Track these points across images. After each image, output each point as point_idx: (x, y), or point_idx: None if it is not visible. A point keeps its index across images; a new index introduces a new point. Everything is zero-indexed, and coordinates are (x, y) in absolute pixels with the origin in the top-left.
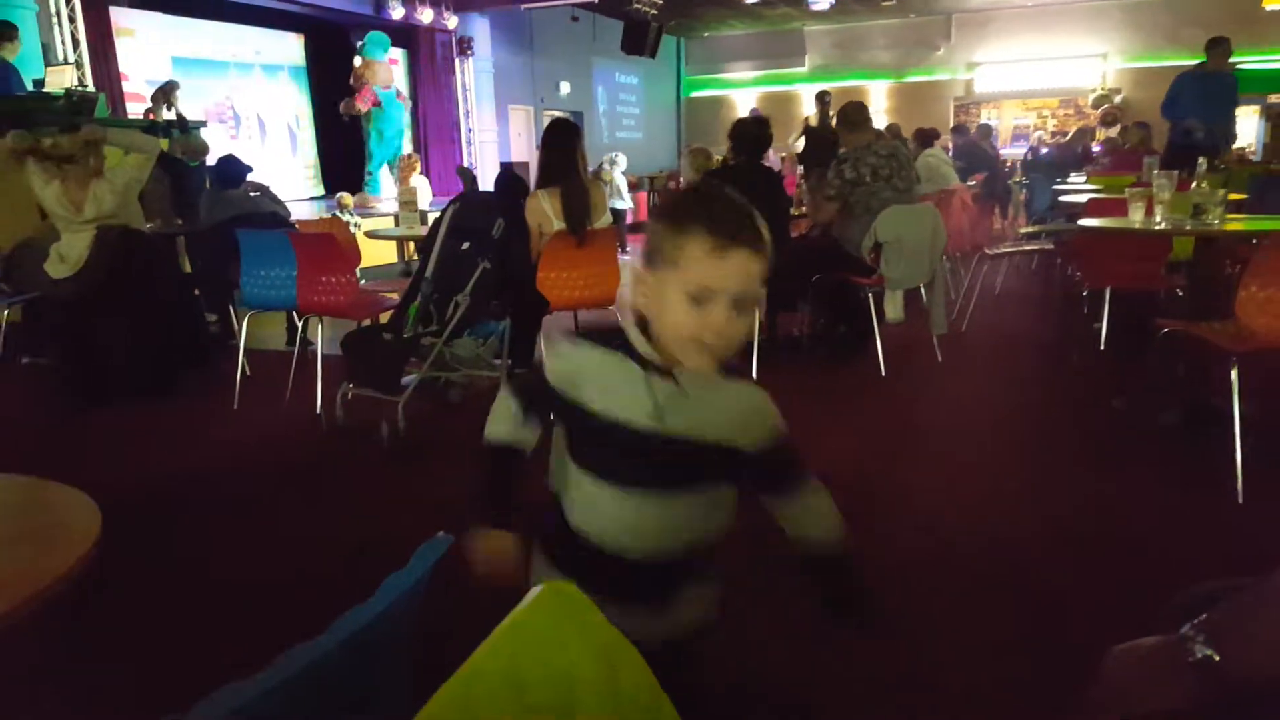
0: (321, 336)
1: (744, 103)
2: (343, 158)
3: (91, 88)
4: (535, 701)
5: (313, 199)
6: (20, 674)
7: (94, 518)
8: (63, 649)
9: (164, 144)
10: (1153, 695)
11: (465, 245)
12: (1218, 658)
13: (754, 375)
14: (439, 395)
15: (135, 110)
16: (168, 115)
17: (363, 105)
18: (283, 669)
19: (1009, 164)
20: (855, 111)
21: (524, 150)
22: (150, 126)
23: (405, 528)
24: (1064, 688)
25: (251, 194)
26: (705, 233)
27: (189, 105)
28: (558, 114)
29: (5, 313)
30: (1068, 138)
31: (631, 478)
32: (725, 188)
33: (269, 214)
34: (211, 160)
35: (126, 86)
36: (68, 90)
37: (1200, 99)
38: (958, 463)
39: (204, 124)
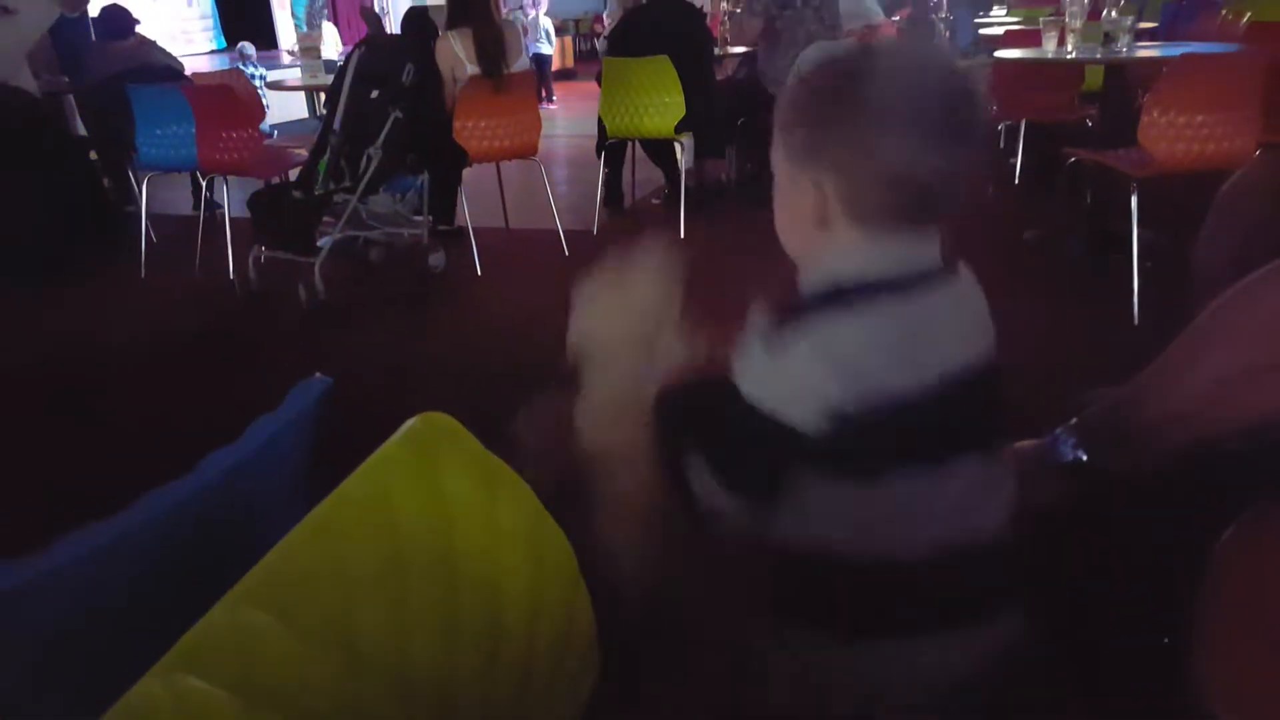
0: (229, 197)
1: None
2: (242, 6)
3: None
4: (408, 534)
5: (213, 53)
6: None
7: None
8: None
9: None
10: (1026, 495)
11: (374, 94)
12: (1086, 458)
13: (682, 221)
14: (358, 255)
15: None
16: None
17: None
18: (143, 510)
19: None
20: None
21: None
22: None
23: None
24: None
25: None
26: None
27: None
28: None
29: None
30: None
31: None
32: None
33: (162, 67)
34: (94, 11)
35: None
36: None
37: None
38: None
39: None
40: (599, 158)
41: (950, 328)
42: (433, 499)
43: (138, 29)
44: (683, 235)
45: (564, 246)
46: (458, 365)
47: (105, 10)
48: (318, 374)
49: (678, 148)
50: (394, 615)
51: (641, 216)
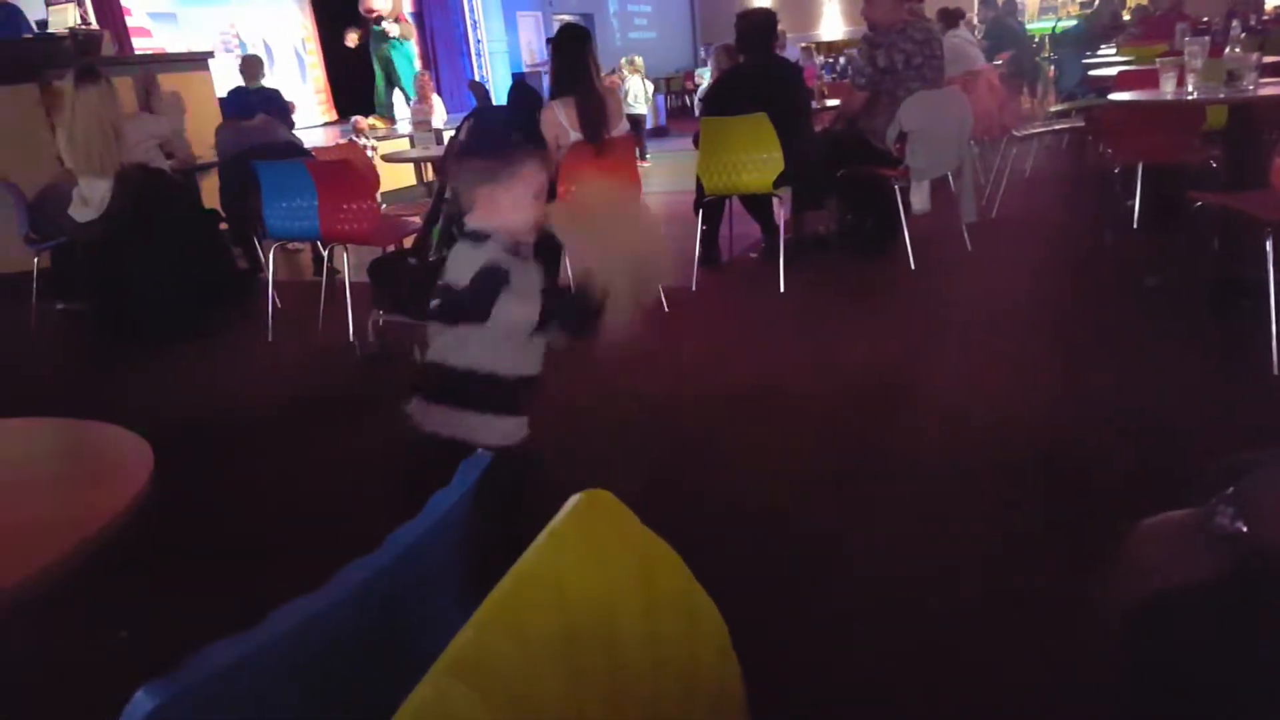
0: (348, 264)
1: None
2: (354, 80)
3: (94, 25)
4: (577, 610)
5: (326, 125)
6: (83, 612)
7: (145, 456)
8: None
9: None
10: (1178, 569)
11: None
12: (1245, 529)
13: (782, 275)
14: None
15: (140, 45)
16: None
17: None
18: (337, 587)
19: (1037, 40)
20: None
21: (535, 59)
22: None
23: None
24: (1097, 568)
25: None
26: None
27: (194, 36)
28: (567, 18)
29: (35, 260)
30: (1094, 7)
31: None
32: None
33: (285, 144)
34: (221, 93)
35: (130, 21)
36: (71, 29)
37: None
38: (990, 352)
39: (211, 55)
40: (697, 215)
41: None
42: (598, 573)
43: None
44: (783, 289)
45: (663, 303)
46: (562, 418)
47: (231, 92)
48: (480, 449)
49: (775, 202)
50: (570, 685)
51: (740, 271)
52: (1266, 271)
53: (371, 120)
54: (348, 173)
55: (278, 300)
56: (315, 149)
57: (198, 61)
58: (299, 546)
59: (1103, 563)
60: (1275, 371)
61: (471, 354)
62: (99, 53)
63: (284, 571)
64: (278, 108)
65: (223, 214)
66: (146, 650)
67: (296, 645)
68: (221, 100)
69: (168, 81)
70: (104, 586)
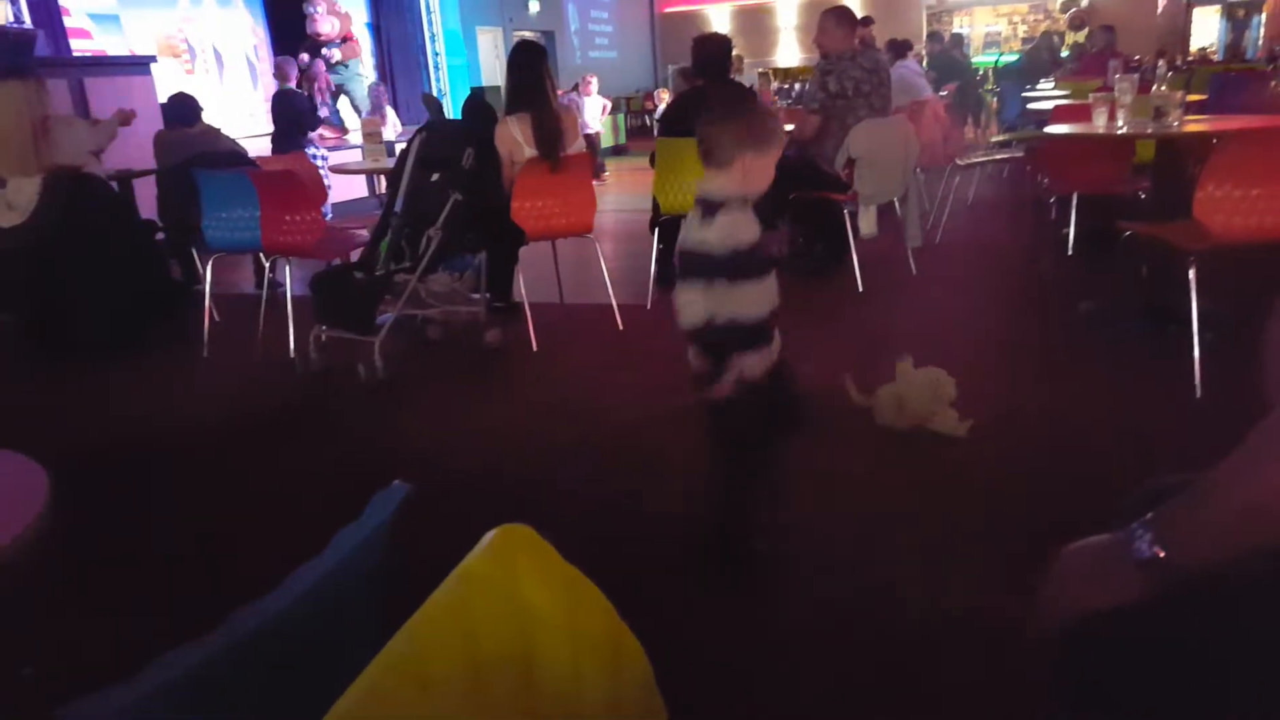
0: (290, 277)
1: (719, 19)
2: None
3: (29, 24)
4: (489, 648)
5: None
6: None
7: (39, 482)
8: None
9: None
10: (1100, 593)
11: (434, 177)
12: (1163, 554)
13: None
14: (416, 333)
15: (79, 47)
16: None
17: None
18: (228, 633)
19: (981, 73)
20: (840, 15)
21: (494, 74)
22: None
23: (385, 469)
24: (1028, 588)
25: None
26: None
27: (139, 39)
28: (527, 35)
29: None
30: (1034, 43)
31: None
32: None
33: (227, 152)
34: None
35: (68, 21)
36: (2, 28)
37: None
38: None
39: (153, 59)
40: (653, 233)
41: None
42: (513, 611)
43: (204, 114)
44: None
45: (618, 320)
46: (515, 440)
47: (172, 98)
48: (397, 480)
49: None
50: None
51: None
52: (1189, 298)
53: (320, 130)
54: (292, 183)
55: (215, 314)
56: (260, 158)
57: (139, 65)
58: (235, 570)
59: (1032, 586)
60: (1198, 395)
61: (729, 307)
62: (32, 53)
63: (214, 598)
64: (291, 110)
65: (160, 224)
66: (54, 688)
67: (180, 698)
68: (163, 106)
69: (108, 85)
70: (5, 619)
